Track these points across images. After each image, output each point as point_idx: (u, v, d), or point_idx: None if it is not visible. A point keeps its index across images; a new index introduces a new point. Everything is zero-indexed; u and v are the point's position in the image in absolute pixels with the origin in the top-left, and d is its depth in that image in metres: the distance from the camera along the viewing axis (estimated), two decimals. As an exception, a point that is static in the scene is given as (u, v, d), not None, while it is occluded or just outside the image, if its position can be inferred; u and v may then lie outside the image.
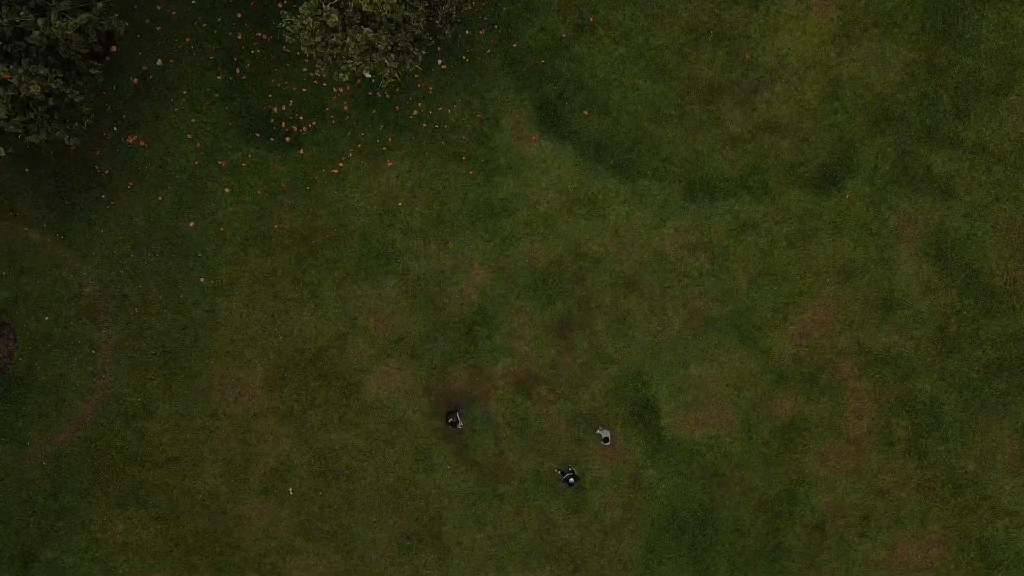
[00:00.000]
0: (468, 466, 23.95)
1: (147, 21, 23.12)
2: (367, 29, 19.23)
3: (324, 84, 23.92)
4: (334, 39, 19.90)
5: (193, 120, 23.68)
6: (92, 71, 21.45)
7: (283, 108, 23.64)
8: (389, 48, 19.82)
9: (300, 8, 19.75)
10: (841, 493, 23.94)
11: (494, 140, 23.43)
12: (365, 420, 23.97)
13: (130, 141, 23.69)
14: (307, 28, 19.61)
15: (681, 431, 23.80)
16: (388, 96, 23.69)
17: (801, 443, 23.90)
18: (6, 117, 19.03)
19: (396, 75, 21.42)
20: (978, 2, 22.92)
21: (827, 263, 23.59)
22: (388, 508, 24.07)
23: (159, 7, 23.11)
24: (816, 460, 23.90)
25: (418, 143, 23.60)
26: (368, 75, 22.37)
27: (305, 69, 23.71)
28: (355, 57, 19.96)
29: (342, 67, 20.47)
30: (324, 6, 19.15)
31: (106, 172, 23.62)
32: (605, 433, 22.60)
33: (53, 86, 19.18)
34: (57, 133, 20.98)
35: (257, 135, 23.60)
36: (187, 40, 23.47)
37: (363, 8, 18.85)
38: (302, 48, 20.69)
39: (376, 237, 23.64)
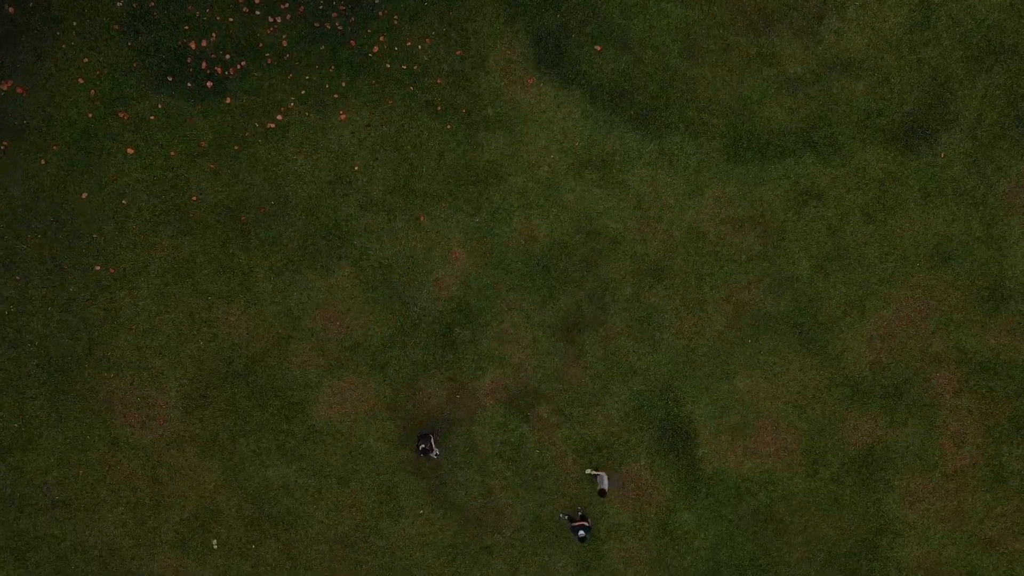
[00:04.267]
0: (446, 510, 22.33)
1: (24, -70, 21.61)
2: None
3: (257, 12, 21.60)
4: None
5: (86, 60, 21.66)
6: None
7: (203, 44, 21.72)
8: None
9: None
10: (937, 544, 22.39)
11: (479, 85, 21.78)
12: (312, 451, 22.27)
13: (4, 88, 21.77)
14: None
15: (725, 463, 22.26)
16: (340, 28, 21.69)
17: (883, 479, 22.27)
18: None
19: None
20: None
21: (916, 242, 21.98)
22: (342, 565, 22.47)
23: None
24: (903, 501, 22.32)
25: (380, 89, 21.77)
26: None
27: (232, -7, 21.74)
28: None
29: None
30: None
31: (-28, 128, 21.87)
32: (604, 483, 21.36)
33: None
34: None
35: (169, 79, 21.71)
36: (77, -46, 21.85)
37: None
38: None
39: (325, 211, 21.94)
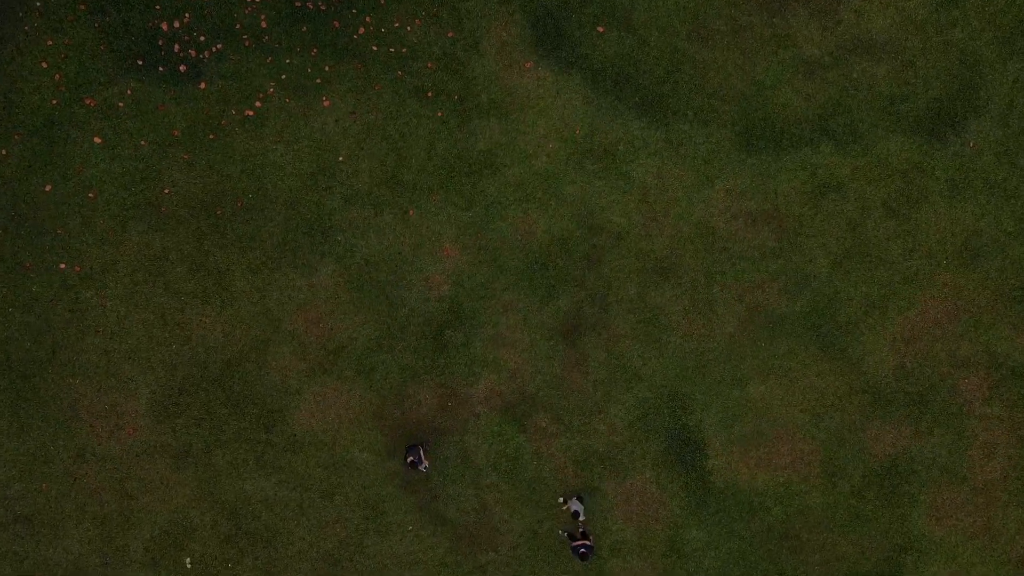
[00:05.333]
0: (437, 526, 22.24)
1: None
2: None
3: (233, -10, 21.74)
4: None
5: (50, 42, 21.57)
6: None
7: (176, 25, 21.66)
8: None
9: None
10: (965, 563, 22.46)
11: (472, 69, 21.80)
12: (293, 462, 22.19)
13: (-38, 72, 21.72)
14: None
15: (737, 476, 22.24)
16: (323, 8, 21.67)
17: (908, 493, 22.29)
18: None
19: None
20: None
21: (942, 238, 21.95)
22: (325, 586, 22.55)
23: None
24: (929, 517, 22.34)
25: (366, 73, 21.72)
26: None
27: (208, -29, 21.80)
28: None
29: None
30: None
31: (-73, 115, 21.86)
32: (576, 505, 21.34)
33: None
34: None
35: (139, 63, 21.62)
36: (39, -72, 21.81)
37: None
38: None
39: (307, 205, 21.90)
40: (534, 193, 21.71)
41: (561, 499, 21.65)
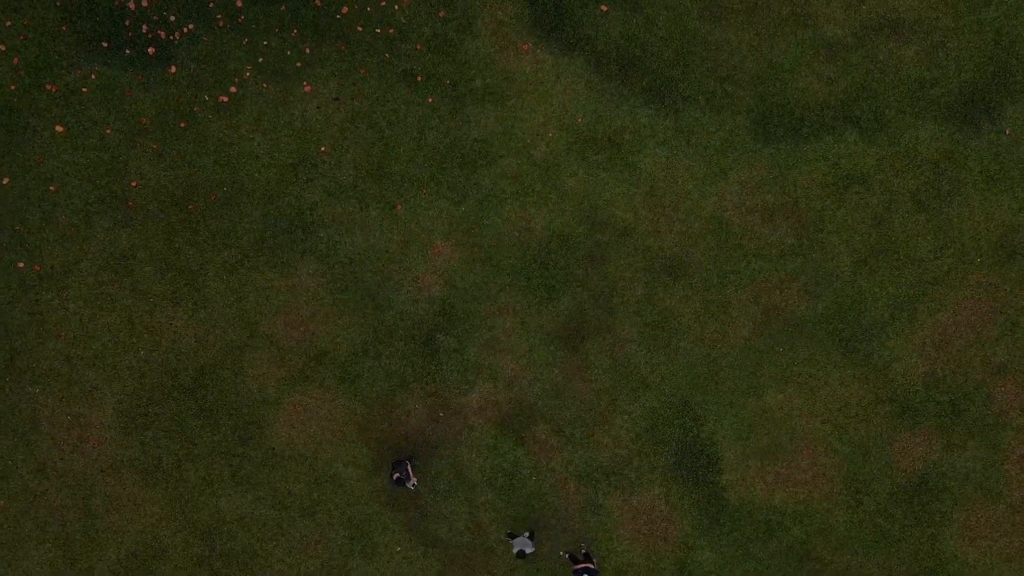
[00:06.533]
0: (427, 547, 21.82)
1: None
2: None
3: (206, -34, 21.33)
4: None
5: (8, 23, 21.27)
6: None
7: (144, 4, 21.41)
8: None
9: None
10: None
11: (465, 51, 21.49)
12: (271, 478, 21.88)
13: (-87, 55, 21.18)
14: None
15: (753, 492, 21.81)
16: None
17: (938, 511, 21.85)
18: None
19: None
20: None
21: (976, 234, 21.53)
22: (307, 612, 22.12)
23: None
24: (962, 537, 21.88)
25: (350, 56, 21.41)
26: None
27: (179, -54, 21.33)
28: None
29: None
30: None
31: None
32: (521, 546, 20.77)
33: None
34: None
35: (105, 45, 21.34)
36: (-5, -101, 21.12)
37: None
38: None
39: (287, 199, 21.57)
40: (532, 186, 21.13)
41: (513, 541, 21.12)
